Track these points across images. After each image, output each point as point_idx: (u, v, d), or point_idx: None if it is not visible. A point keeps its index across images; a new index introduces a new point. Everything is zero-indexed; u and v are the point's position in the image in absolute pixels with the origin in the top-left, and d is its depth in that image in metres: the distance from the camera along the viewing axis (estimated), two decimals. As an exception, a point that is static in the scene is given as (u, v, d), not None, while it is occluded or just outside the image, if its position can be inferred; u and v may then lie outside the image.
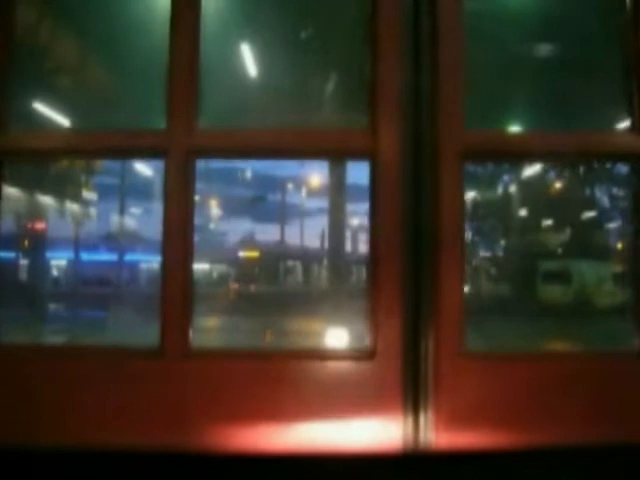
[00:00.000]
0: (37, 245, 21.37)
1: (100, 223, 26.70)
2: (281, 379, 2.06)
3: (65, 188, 23.85)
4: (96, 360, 2.16)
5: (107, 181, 24.87)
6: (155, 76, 2.42)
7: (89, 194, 25.72)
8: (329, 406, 2.07)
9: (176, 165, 2.23)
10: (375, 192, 2.27)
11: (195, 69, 2.31)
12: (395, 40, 2.25)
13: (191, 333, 2.14)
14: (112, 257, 27.65)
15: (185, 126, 2.25)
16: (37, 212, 20.88)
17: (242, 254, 28.79)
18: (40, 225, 20.97)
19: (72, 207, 25.80)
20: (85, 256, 28.56)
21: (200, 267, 34.12)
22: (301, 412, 2.03)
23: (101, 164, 22.31)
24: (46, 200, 22.43)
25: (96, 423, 2.03)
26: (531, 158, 2.86)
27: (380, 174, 2.24)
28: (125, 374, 2.09)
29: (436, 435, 2.04)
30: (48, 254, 24.39)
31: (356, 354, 2.21)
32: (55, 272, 31.07)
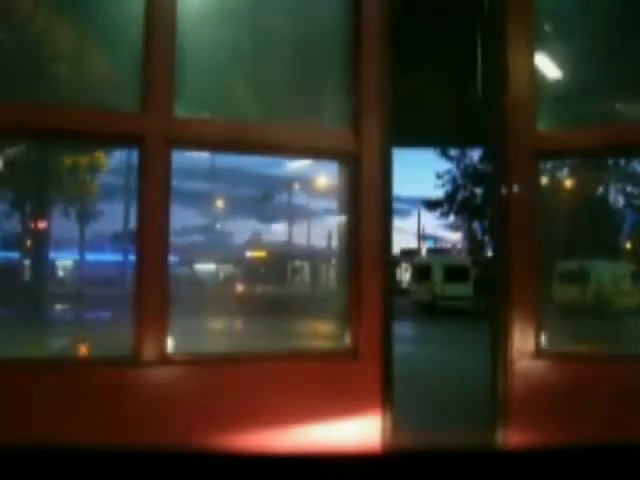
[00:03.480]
0: (39, 245, 21.16)
1: (104, 223, 26.51)
2: (261, 381, 2.06)
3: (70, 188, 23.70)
4: (71, 370, 2.09)
5: (110, 180, 24.64)
6: (129, 53, 2.24)
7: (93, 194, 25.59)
8: (309, 406, 2.08)
9: (152, 154, 2.08)
10: (356, 193, 2.22)
11: (173, 51, 2.14)
12: (376, 47, 2.24)
13: (168, 338, 2.05)
14: (117, 257, 27.50)
15: (162, 112, 2.12)
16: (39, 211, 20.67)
17: (249, 254, 28.50)
18: (42, 224, 20.77)
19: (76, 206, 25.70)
20: (89, 257, 28.50)
21: (206, 267, 33.95)
22: (281, 413, 2.03)
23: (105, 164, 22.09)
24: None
25: (68, 433, 1.88)
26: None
27: (362, 175, 2.20)
28: (99, 383, 2.01)
29: (510, 432, 2.18)
30: (50, 254, 24.18)
31: (337, 355, 2.24)
32: (61, 272, 31.11)
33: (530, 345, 2.27)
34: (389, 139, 2.29)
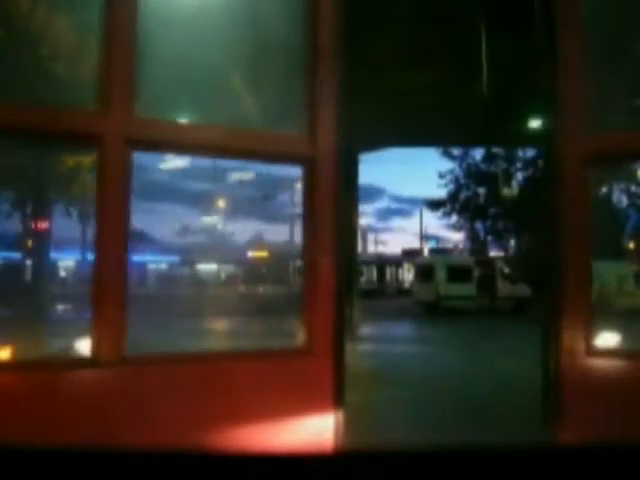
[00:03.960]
0: (40, 245, 21.10)
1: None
2: (216, 380, 2.06)
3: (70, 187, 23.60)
4: (31, 371, 2.04)
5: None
6: (89, 51, 2.23)
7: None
8: (264, 404, 2.09)
9: (112, 154, 2.06)
10: (311, 195, 2.24)
11: (133, 51, 2.10)
12: (330, 57, 2.25)
13: (126, 338, 2.05)
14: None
15: (122, 112, 2.07)
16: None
17: (251, 254, 28.44)
18: (43, 224, 20.71)
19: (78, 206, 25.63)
20: (91, 257, 28.42)
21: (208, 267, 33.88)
22: (235, 411, 2.04)
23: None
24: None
25: (28, 433, 1.86)
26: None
27: (317, 178, 2.22)
28: (58, 384, 2.00)
29: (564, 429, 2.26)
30: (52, 254, 24.13)
31: (291, 353, 2.27)
32: (62, 272, 31.11)
33: (582, 343, 2.34)
34: (343, 143, 2.32)
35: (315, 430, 2.16)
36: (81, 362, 2.06)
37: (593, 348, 2.36)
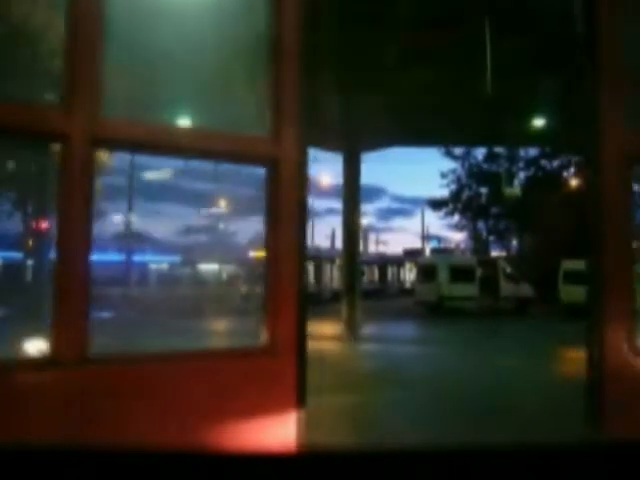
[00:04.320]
0: (41, 245, 21.06)
1: (107, 223, 26.45)
2: (177, 380, 2.09)
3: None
4: None
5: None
6: (54, 46, 2.12)
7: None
8: (226, 404, 2.12)
9: (76, 153, 2.03)
10: (275, 196, 2.29)
11: (100, 46, 2.06)
12: (293, 57, 2.29)
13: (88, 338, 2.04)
14: (120, 258, 27.41)
15: (89, 111, 2.05)
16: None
17: (252, 254, 28.38)
18: (44, 224, 20.67)
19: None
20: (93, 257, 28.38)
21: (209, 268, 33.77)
22: (197, 411, 2.06)
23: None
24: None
25: None
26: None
27: (280, 179, 2.28)
28: (17, 385, 1.97)
29: (605, 427, 2.31)
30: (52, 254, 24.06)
31: (254, 352, 2.29)
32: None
33: (624, 342, 2.39)
34: (307, 145, 2.40)
35: (277, 430, 2.20)
36: (40, 363, 2.06)
37: (637, 349, 2.40)
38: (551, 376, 9.54)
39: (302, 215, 2.37)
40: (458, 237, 47.92)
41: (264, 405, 2.20)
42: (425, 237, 54.06)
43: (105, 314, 15.32)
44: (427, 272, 24.34)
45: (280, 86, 2.35)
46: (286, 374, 2.24)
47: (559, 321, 20.40)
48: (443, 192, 37.88)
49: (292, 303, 2.28)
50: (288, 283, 2.29)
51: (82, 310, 2.04)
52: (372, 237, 57.43)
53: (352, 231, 19.61)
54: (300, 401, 2.26)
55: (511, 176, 28.96)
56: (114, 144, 2.29)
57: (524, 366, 10.17)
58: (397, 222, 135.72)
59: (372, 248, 51.79)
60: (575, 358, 13.58)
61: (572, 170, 33.28)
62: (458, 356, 11.87)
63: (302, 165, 2.37)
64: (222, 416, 2.12)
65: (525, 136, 17.96)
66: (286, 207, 2.31)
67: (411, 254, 45.42)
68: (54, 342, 2.01)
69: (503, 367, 10.14)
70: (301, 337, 2.30)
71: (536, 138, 18.00)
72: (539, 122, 15.82)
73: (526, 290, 24.47)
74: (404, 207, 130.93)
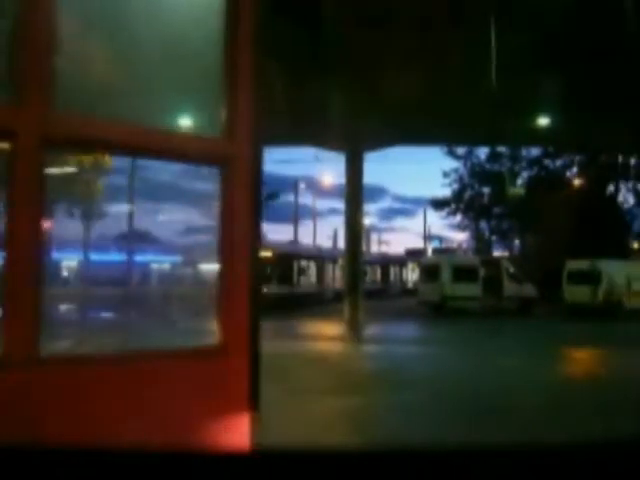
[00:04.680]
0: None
1: (109, 223, 26.42)
2: (129, 381, 2.06)
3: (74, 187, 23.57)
4: None
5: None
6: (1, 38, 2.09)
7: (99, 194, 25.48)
8: (177, 405, 2.11)
9: (26, 152, 1.94)
10: (225, 198, 2.30)
11: (51, 40, 1.96)
12: (247, 57, 2.30)
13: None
14: (121, 258, 27.40)
15: (38, 107, 1.95)
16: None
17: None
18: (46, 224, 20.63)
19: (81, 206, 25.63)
20: (95, 257, 28.41)
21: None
22: (149, 412, 2.05)
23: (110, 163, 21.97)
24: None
25: None
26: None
27: (233, 179, 2.30)
28: None
29: None
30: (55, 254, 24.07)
31: (205, 352, 2.29)
32: (65, 272, 31.08)
33: None
34: (262, 145, 2.45)
35: (230, 430, 2.20)
36: None
37: None
38: (560, 377, 9.46)
39: (256, 215, 2.40)
40: (460, 237, 47.89)
41: (213, 406, 2.21)
42: (427, 237, 54.01)
43: (106, 314, 15.29)
44: (430, 272, 24.24)
45: (233, 85, 2.36)
46: (237, 375, 2.25)
47: (564, 321, 20.35)
48: (445, 192, 37.83)
49: (244, 303, 2.30)
50: (240, 282, 2.31)
51: (32, 310, 2.00)
52: (374, 237, 57.37)
53: (355, 231, 19.55)
54: (252, 402, 2.27)
55: (514, 176, 28.87)
56: (65, 142, 2.24)
57: (532, 368, 10.08)
58: (399, 222, 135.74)
59: (374, 248, 51.70)
60: (582, 359, 13.41)
61: (575, 170, 33.20)
62: (463, 357, 11.78)
63: (256, 165, 2.39)
64: (170, 417, 2.12)
65: (530, 135, 17.92)
66: (239, 207, 2.33)
67: (413, 254, 45.35)
68: (3, 343, 1.98)
69: (508, 368, 10.04)
70: (254, 337, 2.32)
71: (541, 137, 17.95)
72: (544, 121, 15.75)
73: (529, 290, 24.36)
74: (406, 207, 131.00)
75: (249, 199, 2.37)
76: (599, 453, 1.17)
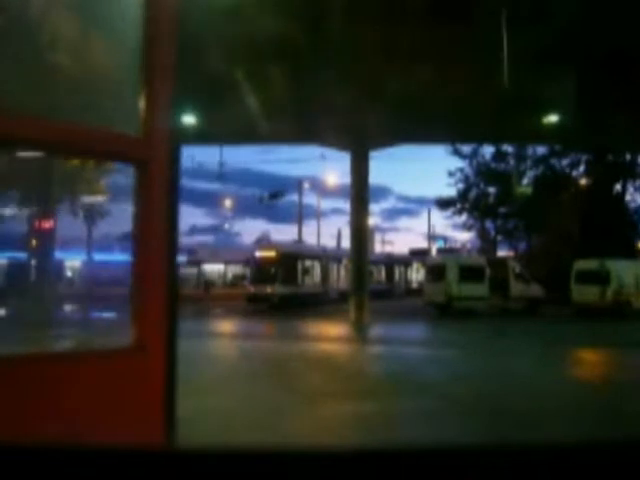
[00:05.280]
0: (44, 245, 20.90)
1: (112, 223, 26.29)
2: (41, 383, 2.06)
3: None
4: None
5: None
6: None
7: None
8: (92, 406, 2.09)
9: None
10: (141, 197, 2.30)
11: None
12: (168, 55, 2.29)
13: None
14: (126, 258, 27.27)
15: None
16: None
17: (258, 254, 28.13)
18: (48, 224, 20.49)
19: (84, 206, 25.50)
20: (98, 257, 28.30)
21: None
22: (62, 415, 2.03)
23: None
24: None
25: None
26: None
27: (147, 180, 2.29)
28: None
29: None
30: (58, 254, 23.93)
31: (121, 352, 2.30)
32: (69, 273, 30.99)
33: None
34: (179, 146, 2.45)
35: (144, 429, 2.21)
36: None
37: None
38: (579, 380, 9.25)
39: (173, 215, 2.41)
40: (464, 237, 47.70)
41: (127, 406, 2.21)
42: (431, 237, 53.78)
43: (107, 314, 15.13)
44: (436, 272, 24.00)
45: (151, 85, 2.34)
46: (153, 374, 2.26)
47: (572, 321, 20.14)
48: (450, 191, 37.62)
49: (160, 303, 2.31)
50: (156, 282, 2.32)
51: None
52: (378, 237, 57.15)
53: (360, 230, 19.32)
54: (168, 402, 2.29)
55: (520, 175, 28.62)
56: None
57: (548, 371, 9.87)
58: (403, 222, 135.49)
59: (378, 248, 51.48)
60: (596, 360, 13.14)
61: (581, 169, 32.94)
62: (476, 360, 11.56)
63: (173, 167, 2.40)
64: (88, 418, 2.09)
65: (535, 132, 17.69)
66: (155, 206, 2.33)
67: (417, 254, 45.15)
68: None
69: (524, 372, 9.82)
70: (171, 337, 2.34)
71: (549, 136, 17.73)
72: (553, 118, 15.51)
73: (536, 290, 24.13)
74: (409, 207, 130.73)
75: (165, 198, 2.36)
76: (600, 453, 1.15)
